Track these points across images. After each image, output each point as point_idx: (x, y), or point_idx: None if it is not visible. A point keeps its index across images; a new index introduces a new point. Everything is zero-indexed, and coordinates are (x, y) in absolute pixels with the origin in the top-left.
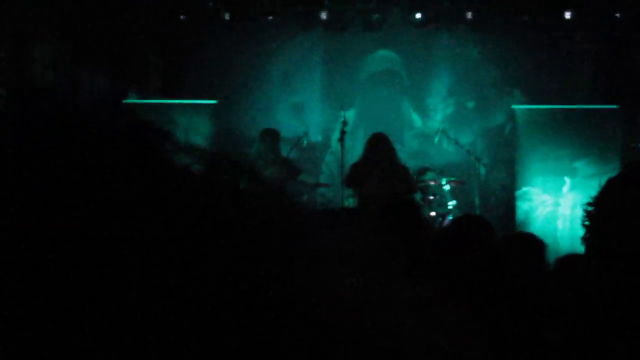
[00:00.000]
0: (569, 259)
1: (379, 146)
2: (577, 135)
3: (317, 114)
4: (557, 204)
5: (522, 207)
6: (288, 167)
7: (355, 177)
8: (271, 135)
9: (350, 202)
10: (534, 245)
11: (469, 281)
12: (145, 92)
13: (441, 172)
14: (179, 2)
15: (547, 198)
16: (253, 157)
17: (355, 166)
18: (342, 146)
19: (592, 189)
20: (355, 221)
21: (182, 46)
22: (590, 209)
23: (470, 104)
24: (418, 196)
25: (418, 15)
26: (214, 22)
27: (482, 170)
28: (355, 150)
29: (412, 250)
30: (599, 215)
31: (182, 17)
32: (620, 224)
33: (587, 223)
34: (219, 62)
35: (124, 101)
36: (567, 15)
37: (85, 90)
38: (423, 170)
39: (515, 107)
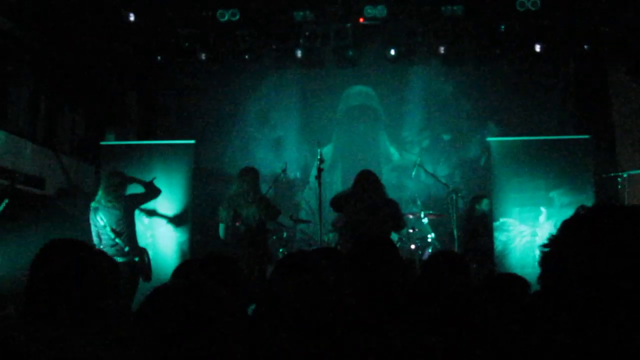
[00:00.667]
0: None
1: (365, 181)
2: (551, 166)
3: (295, 150)
4: (534, 234)
5: (500, 237)
6: (268, 206)
7: (340, 202)
8: (250, 174)
9: (330, 237)
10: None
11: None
12: (122, 133)
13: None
14: (155, 43)
15: (525, 228)
16: (232, 196)
17: (338, 199)
18: (319, 183)
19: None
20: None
21: (158, 86)
22: (546, 250)
23: (446, 137)
24: (404, 232)
25: (392, 51)
26: (190, 62)
27: (460, 203)
28: (334, 185)
29: (386, 294)
30: (554, 257)
31: (158, 57)
32: (573, 267)
33: (543, 263)
34: (196, 102)
35: (102, 143)
36: (537, 48)
37: (64, 132)
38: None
39: (489, 139)
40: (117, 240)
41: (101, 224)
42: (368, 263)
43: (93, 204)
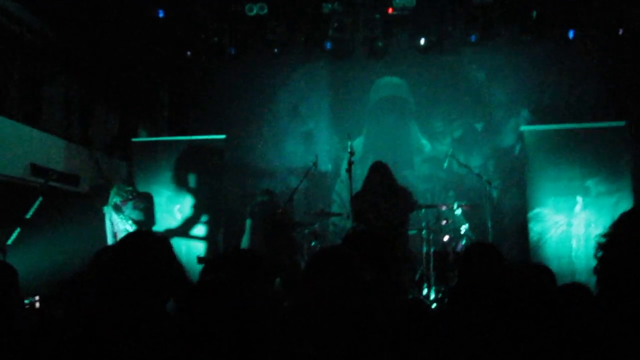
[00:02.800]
0: (571, 288)
1: (373, 176)
2: (587, 154)
3: (326, 142)
4: (570, 224)
5: (535, 228)
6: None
7: (356, 210)
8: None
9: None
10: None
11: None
12: (154, 129)
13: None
14: (185, 39)
15: (560, 218)
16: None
17: (354, 199)
18: (350, 176)
19: (605, 207)
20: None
21: (189, 82)
22: (603, 240)
23: (479, 126)
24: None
25: (422, 41)
26: (219, 57)
27: (494, 193)
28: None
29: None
30: (611, 248)
31: (188, 53)
32: (632, 259)
33: (599, 254)
34: (226, 97)
35: (134, 139)
36: (571, 34)
37: (97, 130)
38: None
39: (523, 128)
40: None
41: (118, 219)
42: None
43: (106, 208)
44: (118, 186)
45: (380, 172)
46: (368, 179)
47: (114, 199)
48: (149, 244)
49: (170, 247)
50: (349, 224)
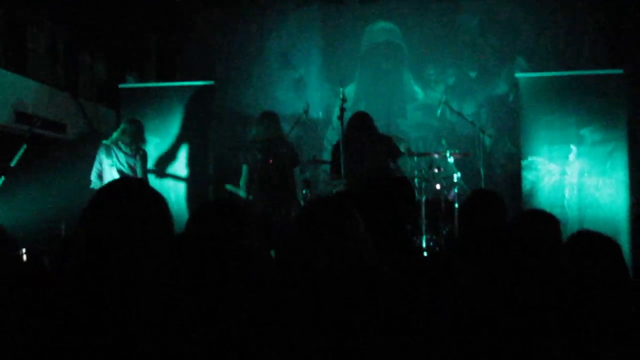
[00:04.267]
0: (582, 236)
1: (353, 124)
2: (582, 102)
3: (317, 90)
4: (563, 173)
5: (528, 177)
6: (294, 151)
7: (335, 159)
8: (274, 116)
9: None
10: (551, 222)
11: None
12: (142, 76)
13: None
14: None
15: (554, 167)
16: (258, 139)
17: (335, 147)
18: (342, 123)
19: (600, 156)
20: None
21: (177, 28)
22: None
23: (473, 74)
24: (407, 163)
25: None
26: (208, 2)
27: (487, 141)
28: None
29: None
30: None
31: None
32: None
33: None
34: (215, 43)
35: (121, 85)
36: None
37: (84, 77)
38: None
39: (518, 75)
40: None
41: (107, 163)
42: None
43: (105, 142)
44: (123, 129)
45: (358, 120)
46: (347, 128)
47: (114, 139)
48: (142, 193)
49: (163, 201)
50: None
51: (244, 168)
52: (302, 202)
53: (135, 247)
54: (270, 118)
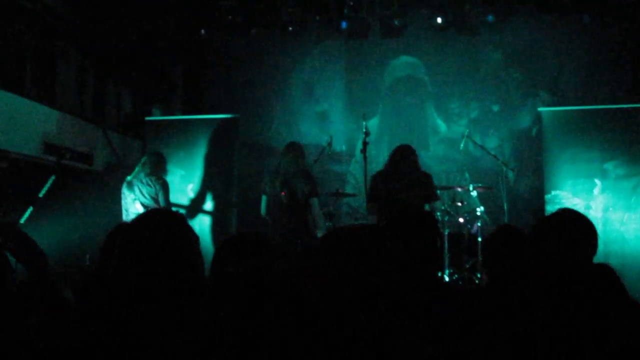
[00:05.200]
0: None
1: (399, 156)
2: (606, 136)
3: (341, 123)
4: (588, 207)
5: (552, 211)
6: (313, 183)
7: (373, 190)
8: (297, 148)
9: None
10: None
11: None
12: (168, 108)
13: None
14: (199, 17)
15: (578, 201)
16: (279, 170)
17: (374, 177)
18: (365, 157)
19: (624, 190)
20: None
21: (203, 61)
22: None
23: (495, 107)
24: (439, 204)
25: (439, 20)
26: (234, 35)
27: (510, 175)
28: (381, 157)
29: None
30: None
31: (202, 31)
32: None
33: None
34: (240, 76)
35: (147, 118)
36: (587, 17)
37: (111, 109)
38: None
39: (541, 109)
40: None
41: (131, 197)
42: (405, 235)
43: (128, 178)
44: (144, 162)
45: (404, 153)
46: (390, 159)
47: (135, 173)
48: (168, 225)
49: (191, 231)
50: (363, 205)
51: (263, 198)
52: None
53: (162, 287)
54: (293, 150)
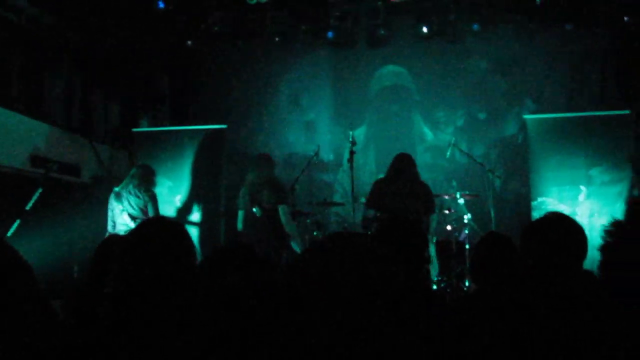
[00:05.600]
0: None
1: (399, 165)
2: (591, 143)
3: (328, 132)
4: (574, 213)
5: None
6: (278, 190)
7: (375, 197)
8: (264, 160)
9: (370, 213)
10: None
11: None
12: (155, 119)
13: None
14: (186, 28)
15: (564, 208)
16: (249, 183)
17: (377, 184)
18: (352, 166)
19: (609, 196)
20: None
21: (190, 72)
22: (611, 228)
23: (482, 115)
24: (434, 217)
25: (424, 29)
26: (220, 46)
27: (497, 182)
28: (368, 166)
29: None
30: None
31: (188, 42)
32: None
33: (607, 239)
34: (227, 86)
35: (135, 130)
36: (571, 24)
37: (98, 120)
38: None
39: (526, 116)
40: (133, 225)
41: (119, 208)
42: (393, 243)
43: (116, 189)
44: (132, 174)
45: (405, 162)
46: (391, 167)
47: (123, 185)
48: (170, 234)
49: (190, 239)
50: (351, 214)
51: (240, 213)
52: (294, 245)
53: (164, 291)
54: (258, 161)
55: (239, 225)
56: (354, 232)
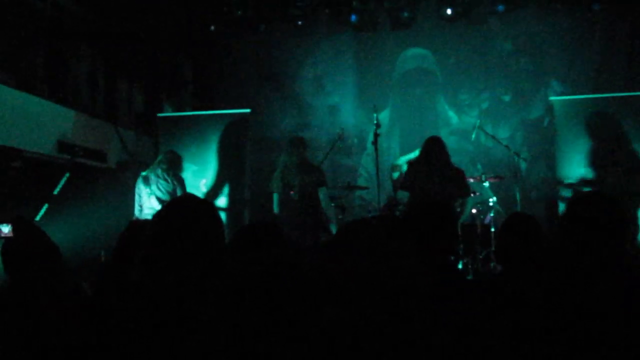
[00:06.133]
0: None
1: (435, 149)
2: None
3: (351, 116)
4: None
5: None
6: (319, 174)
7: (410, 178)
8: (299, 143)
9: (399, 195)
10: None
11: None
12: (179, 104)
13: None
14: (208, 13)
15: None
16: (284, 166)
17: (411, 166)
18: (376, 149)
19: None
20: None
21: (213, 57)
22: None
23: (506, 98)
24: (469, 201)
25: (448, 11)
26: (243, 30)
27: (522, 165)
28: (392, 150)
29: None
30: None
31: (212, 27)
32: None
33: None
34: (250, 71)
35: (159, 115)
36: (597, 5)
37: (122, 106)
38: None
39: (552, 98)
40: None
41: (146, 192)
42: (423, 228)
43: (143, 173)
44: (160, 159)
45: (439, 146)
46: (427, 151)
47: (151, 169)
48: (201, 210)
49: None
50: (376, 198)
51: (274, 196)
52: (333, 227)
53: (194, 260)
54: (292, 144)
55: (275, 209)
56: (378, 217)
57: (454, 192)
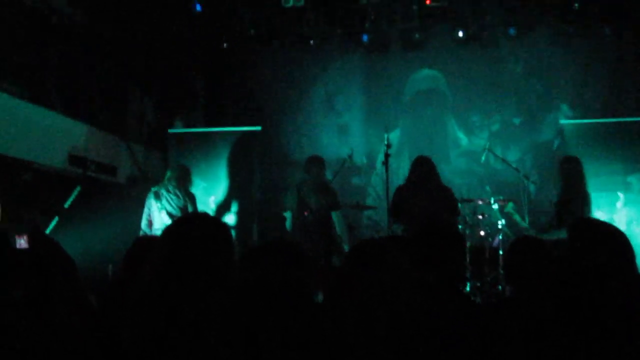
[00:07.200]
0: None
1: (422, 169)
2: (629, 149)
3: (361, 135)
4: (611, 220)
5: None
6: (333, 195)
7: (398, 203)
8: (317, 162)
9: (395, 228)
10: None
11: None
12: (190, 120)
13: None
14: (221, 31)
15: (601, 215)
16: (299, 185)
17: (399, 190)
18: (387, 169)
19: None
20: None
21: (225, 74)
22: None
23: (517, 120)
24: (459, 218)
25: (460, 33)
26: (256, 48)
27: (532, 188)
28: (401, 170)
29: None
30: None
31: (224, 44)
32: None
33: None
34: (262, 88)
35: (170, 130)
36: (608, 28)
37: (134, 121)
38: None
39: (563, 121)
40: None
41: (157, 207)
42: (434, 251)
43: (154, 188)
44: (170, 175)
45: (426, 167)
46: (414, 172)
47: (162, 184)
48: (212, 228)
49: (229, 235)
50: (384, 218)
51: (288, 215)
52: (346, 247)
53: (206, 279)
54: (313, 164)
55: (288, 226)
56: (387, 238)
57: (446, 213)
